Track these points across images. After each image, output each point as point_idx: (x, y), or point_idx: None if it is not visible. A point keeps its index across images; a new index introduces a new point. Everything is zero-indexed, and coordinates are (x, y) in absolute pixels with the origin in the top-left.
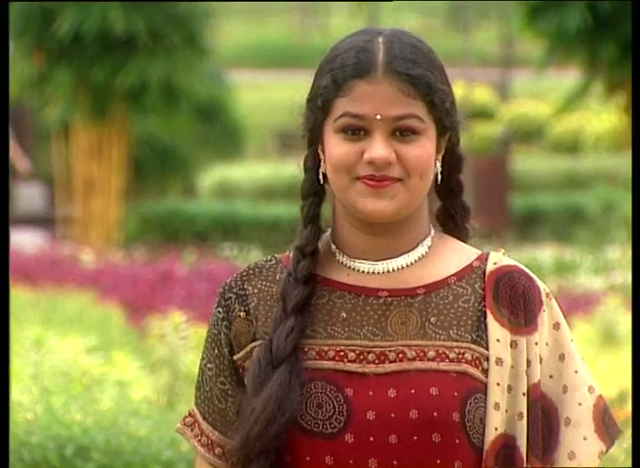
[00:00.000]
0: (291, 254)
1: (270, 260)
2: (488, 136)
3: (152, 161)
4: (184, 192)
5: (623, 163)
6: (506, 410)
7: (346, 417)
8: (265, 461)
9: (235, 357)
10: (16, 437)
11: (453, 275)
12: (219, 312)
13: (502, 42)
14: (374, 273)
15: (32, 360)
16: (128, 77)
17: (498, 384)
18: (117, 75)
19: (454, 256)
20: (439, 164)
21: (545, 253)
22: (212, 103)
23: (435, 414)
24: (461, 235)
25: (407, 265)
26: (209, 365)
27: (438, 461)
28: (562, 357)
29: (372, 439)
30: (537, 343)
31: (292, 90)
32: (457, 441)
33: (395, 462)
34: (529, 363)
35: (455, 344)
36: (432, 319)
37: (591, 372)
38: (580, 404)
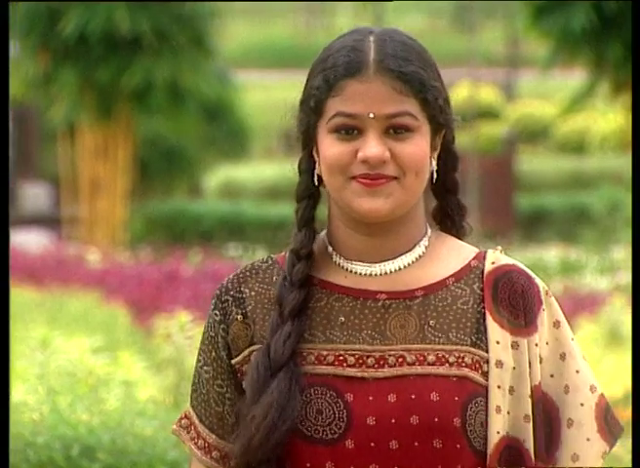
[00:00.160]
0: (286, 256)
1: (266, 261)
2: (493, 136)
3: (158, 161)
4: (190, 192)
5: (629, 163)
6: (508, 412)
7: (346, 423)
8: None
9: (233, 361)
10: (21, 437)
11: (451, 276)
12: (215, 315)
13: (508, 42)
14: (371, 275)
15: (38, 360)
16: (133, 77)
17: (498, 387)
18: (123, 75)
19: (451, 256)
20: (435, 162)
21: (551, 254)
22: (217, 103)
23: (436, 420)
24: (459, 234)
25: (405, 266)
26: (205, 367)
27: (439, 467)
28: (563, 356)
29: (372, 444)
30: (537, 344)
31: (297, 90)
32: (458, 446)
33: None
34: (530, 364)
35: (454, 348)
36: (431, 322)
37: (596, 373)
38: (582, 404)
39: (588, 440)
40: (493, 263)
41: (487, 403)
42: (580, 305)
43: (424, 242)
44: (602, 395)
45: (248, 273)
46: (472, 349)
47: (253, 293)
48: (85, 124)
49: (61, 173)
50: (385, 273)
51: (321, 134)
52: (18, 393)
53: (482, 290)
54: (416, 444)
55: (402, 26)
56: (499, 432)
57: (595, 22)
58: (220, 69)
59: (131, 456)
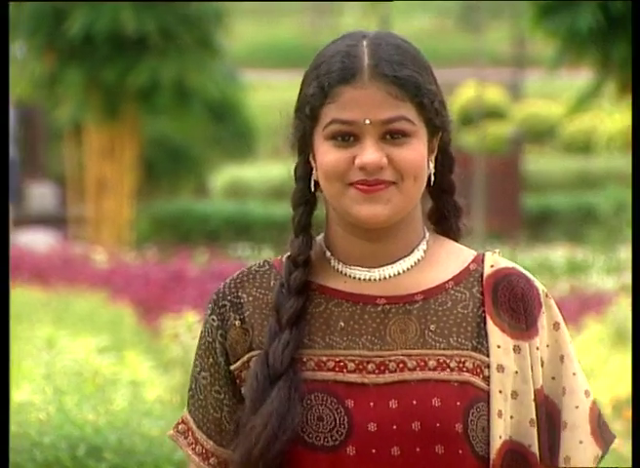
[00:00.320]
0: (283, 259)
1: (263, 266)
2: (500, 136)
3: (164, 161)
4: (196, 192)
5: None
6: (511, 417)
7: (347, 429)
8: None
9: (232, 367)
10: (28, 437)
11: (450, 280)
12: (212, 320)
13: (514, 42)
14: (370, 280)
15: (44, 360)
16: (139, 77)
17: (500, 391)
18: (128, 75)
19: (450, 260)
20: (432, 165)
21: (558, 254)
22: (223, 103)
23: (438, 425)
24: (455, 235)
25: (403, 271)
26: (203, 373)
27: None
28: (562, 358)
29: (374, 451)
30: (538, 348)
31: None
32: (460, 451)
33: None
34: (532, 368)
35: (455, 353)
36: (432, 326)
37: (602, 373)
38: (577, 406)
39: (581, 442)
40: (492, 266)
41: (489, 407)
42: (586, 305)
43: (423, 246)
44: (595, 401)
45: (245, 278)
46: (473, 354)
47: (250, 299)
48: (91, 124)
49: (68, 172)
50: (384, 278)
51: (317, 140)
52: (24, 393)
53: (482, 293)
54: (417, 450)
55: (408, 26)
56: (501, 436)
57: (601, 22)
58: (226, 69)
59: (138, 456)
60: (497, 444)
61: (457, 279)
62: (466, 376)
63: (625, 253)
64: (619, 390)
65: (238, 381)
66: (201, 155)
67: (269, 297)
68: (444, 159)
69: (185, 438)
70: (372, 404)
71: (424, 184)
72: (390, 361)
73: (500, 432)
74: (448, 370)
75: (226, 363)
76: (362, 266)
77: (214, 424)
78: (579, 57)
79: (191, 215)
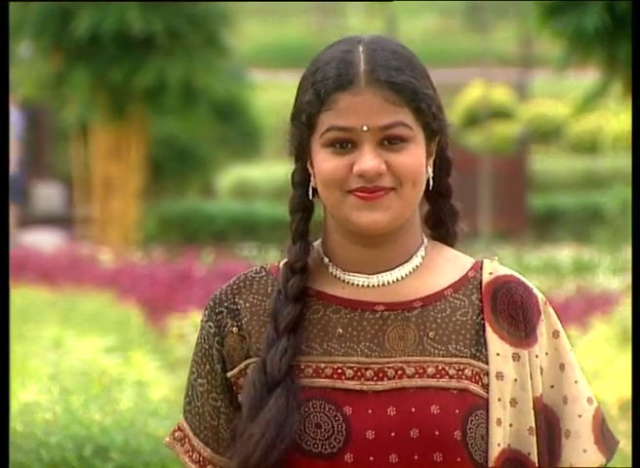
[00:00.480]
0: (281, 265)
1: (260, 272)
2: (506, 136)
3: (171, 161)
4: (203, 192)
5: None
6: (510, 425)
7: (346, 437)
8: None
9: (228, 374)
10: (34, 437)
11: (449, 287)
12: (209, 327)
13: (521, 42)
14: (369, 286)
15: (51, 360)
16: (146, 77)
17: (499, 399)
18: (135, 75)
19: (448, 267)
20: (430, 169)
21: (564, 254)
22: (230, 103)
23: (437, 433)
24: (452, 239)
25: (402, 277)
26: (200, 380)
27: None
28: (562, 366)
29: (372, 458)
30: (537, 356)
31: None
32: (458, 459)
33: None
34: (531, 376)
35: (454, 360)
36: (430, 333)
37: (609, 373)
38: (580, 415)
39: (585, 451)
40: (490, 274)
41: (487, 415)
42: (592, 305)
43: (421, 252)
44: (598, 407)
45: (242, 284)
46: (472, 361)
47: (248, 305)
48: (98, 124)
49: (74, 173)
50: (383, 284)
51: (314, 148)
52: (30, 393)
53: (481, 301)
54: (416, 457)
55: (414, 27)
56: (499, 444)
57: (607, 22)
58: (233, 69)
59: (144, 456)
60: (495, 452)
61: (455, 286)
62: (465, 384)
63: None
64: (625, 390)
65: (235, 388)
66: (208, 155)
67: (267, 304)
68: (441, 163)
69: (182, 445)
70: (370, 411)
71: (423, 189)
72: (389, 368)
73: (499, 440)
74: (447, 377)
75: (223, 370)
76: (360, 272)
77: (211, 432)
78: (585, 57)
79: (198, 215)
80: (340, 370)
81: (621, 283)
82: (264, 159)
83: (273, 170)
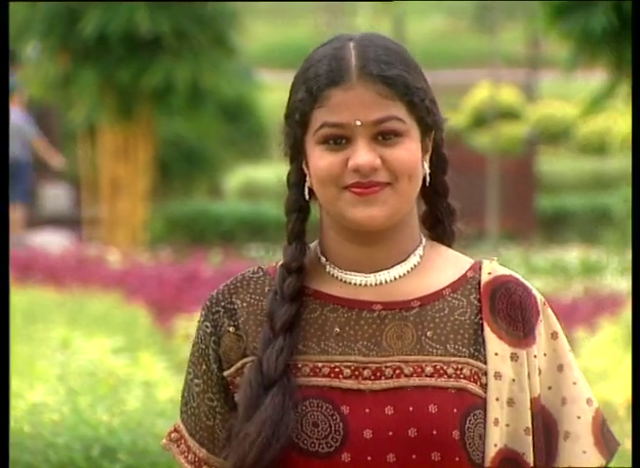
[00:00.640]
0: (277, 266)
1: (257, 272)
2: (514, 137)
3: (178, 161)
4: (210, 193)
5: None
6: (507, 425)
7: (343, 436)
8: None
9: (225, 373)
10: (42, 438)
11: (447, 287)
12: (206, 326)
13: (529, 43)
14: (366, 285)
15: (58, 360)
16: (154, 78)
17: (497, 399)
18: (143, 76)
19: (447, 266)
20: (427, 165)
21: (572, 255)
22: (238, 104)
23: (434, 433)
24: (449, 239)
25: (400, 276)
26: (196, 380)
27: None
28: (560, 368)
29: (369, 458)
30: (535, 356)
31: None
32: (456, 459)
33: None
34: (529, 376)
35: (452, 359)
36: (428, 333)
37: (616, 374)
38: (579, 417)
39: (584, 453)
40: (489, 274)
41: (485, 415)
42: (600, 306)
43: (419, 251)
44: (598, 409)
45: (239, 284)
46: (471, 361)
47: (244, 305)
48: (105, 124)
49: (82, 173)
50: (380, 283)
51: (309, 146)
52: (38, 393)
53: (479, 300)
54: (413, 457)
55: (422, 27)
56: (496, 445)
57: (615, 23)
58: (241, 69)
59: (151, 457)
60: (491, 452)
61: (454, 286)
62: (463, 383)
63: None
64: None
65: (232, 388)
66: (215, 156)
67: (263, 304)
68: (437, 160)
69: (178, 446)
70: (367, 410)
71: (420, 184)
72: (387, 367)
73: (496, 440)
74: (445, 376)
75: (219, 369)
76: (357, 271)
77: (206, 432)
78: (593, 57)
79: (205, 216)
80: (337, 370)
81: (629, 284)
82: (272, 159)
83: (281, 170)
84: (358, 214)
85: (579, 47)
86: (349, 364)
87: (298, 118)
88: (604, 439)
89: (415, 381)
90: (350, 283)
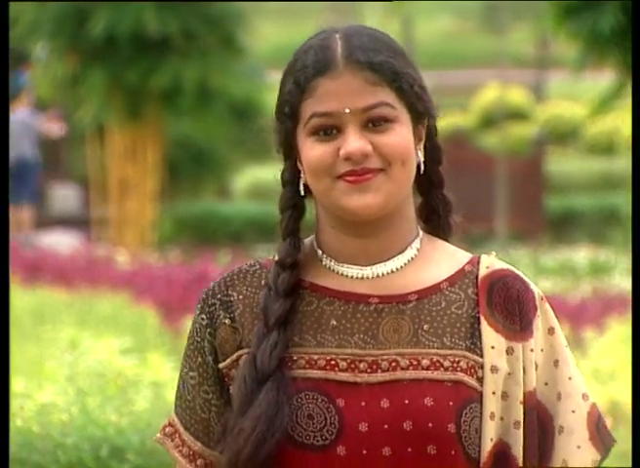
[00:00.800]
0: (272, 264)
1: (254, 265)
2: (523, 138)
3: (187, 162)
4: (219, 193)
5: None
6: (501, 418)
7: (338, 429)
8: None
9: (220, 365)
10: (51, 438)
11: (445, 280)
12: (202, 319)
13: (537, 43)
14: (362, 278)
15: (67, 361)
16: (162, 78)
17: (493, 393)
18: (151, 76)
19: (444, 260)
20: (421, 153)
21: (580, 255)
22: (246, 104)
23: (430, 425)
24: (445, 233)
25: (396, 269)
26: (191, 373)
27: None
28: (556, 363)
29: (365, 451)
30: (532, 350)
31: None
32: (452, 452)
33: None
34: (524, 370)
35: (449, 352)
36: (425, 326)
37: (624, 374)
38: (573, 411)
39: (579, 447)
40: (487, 268)
41: (481, 409)
42: (609, 306)
43: (416, 244)
44: (594, 404)
45: (235, 277)
46: (467, 354)
47: (241, 297)
48: (114, 125)
49: (91, 174)
50: (377, 276)
51: (300, 139)
52: (47, 394)
53: (476, 294)
54: (409, 450)
55: (430, 27)
56: (492, 439)
57: (623, 23)
58: (249, 69)
59: (160, 457)
60: (487, 446)
61: (451, 280)
62: (460, 376)
63: None
64: None
65: (227, 380)
66: (224, 156)
67: (260, 296)
68: (432, 150)
69: (172, 440)
70: (363, 403)
71: (414, 172)
72: (383, 360)
73: (492, 434)
74: (442, 369)
75: (215, 361)
76: (354, 264)
77: (201, 425)
78: (601, 58)
79: (214, 217)
80: (333, 362)
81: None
82: (281, 160)
83: None
84: (353, 202)
85: (587, 47)
86: (345, 356)
87: (287, 111)
88: (599, 434)
89: (411, 374)
90: (347, 275)
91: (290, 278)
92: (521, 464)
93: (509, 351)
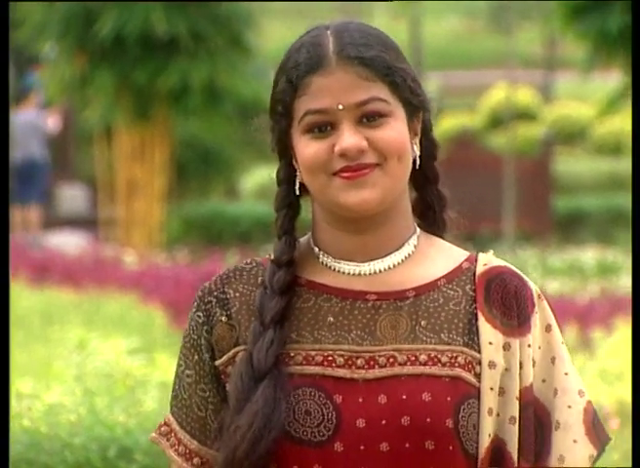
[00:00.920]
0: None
1: (251, 263)
2: (531, 138)
3: (195, 162)
4: (227, 193)
5: None
6: (498, 414)
7: (335, 425)
8: None
9: (217, 362)
10: (59, 438)
11: (442, 277)
12: (198, 317)
13: (545, 43)
14: (360, 275)
15: (75, 361)
16: (170, 79)
17: (491, 389)
18: (159, 77)
19: (441, 257)
20: (417, 148)
21: (588, 255)
22: (254, 104)
23: (428, 421)
24: (440, 229)
25: (393, 266)
26: (187, 371)
27: None
28: (553, 360)
29: (362, 447)
30: (529, 345)
31: None
32: (450, 448)
33: None
34: (521, 365)
35: (447, 348)
36: (423, 322)
37: (627, 374)
38: (569, 406)
39: (575, 442)
40: (485, 265)
41: (479, 405)
42: (616, 307)
43: (413, 241)
44: (590, 401)
45: (232, 274)
46: (465, 349)
47: (237, 294)
48: (122, 125)
49: (98, 174)
50: (374, 272)
51: (295, 138)
52: (55, 394)
53: (474, 291)
54: (407, 445)
55: (438, 28)
56: (490, 435)
57: (630, 24)
58: (258, 70)
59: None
60: (485, 442)
61: (449, 277)
62: (458, 371)
63: None
64: None
65: (223, 377)
66: (232, 156)
67: (256, 294)
68: (427, 145)
69: (168, 440)
70: (361, 399)
71: (410, 166)
72: (380, 356)
73: (490, 430)
74: (439, 364)
75: (212, 359)
76: (351, 261)
77: (198, 423)
78: (609, 58)
79: (222, 217)
80: (330, 358)
81: None
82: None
83: None
84: (350, 198)
85: (595, 47)
86: (343, 352)
87: (281, 109)
88: (595, 430)
89: (408, 369)
90: (344, 272)
91: (285, 276)
92: (516, 458)
93: (506, 347)
